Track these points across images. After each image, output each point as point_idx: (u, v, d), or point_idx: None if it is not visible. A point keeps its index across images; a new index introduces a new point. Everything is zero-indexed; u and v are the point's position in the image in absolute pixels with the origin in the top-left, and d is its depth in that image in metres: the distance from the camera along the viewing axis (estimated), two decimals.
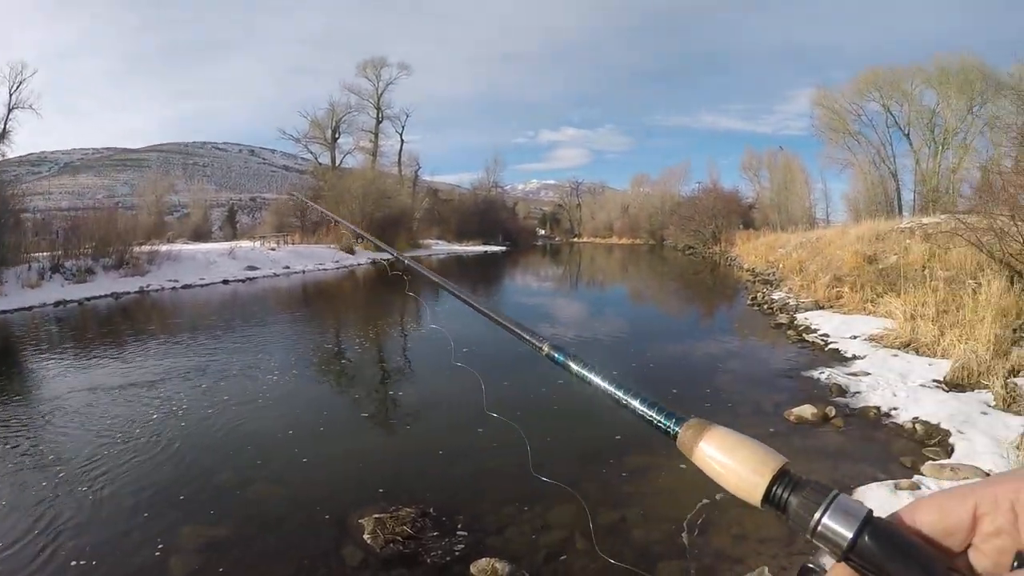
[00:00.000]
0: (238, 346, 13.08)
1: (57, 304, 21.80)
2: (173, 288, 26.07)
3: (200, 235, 57.07)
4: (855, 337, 11.54)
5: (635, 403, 0.85)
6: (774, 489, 0.68)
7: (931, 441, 6.55)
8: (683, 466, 6.09)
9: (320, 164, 63.01)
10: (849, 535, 0.58)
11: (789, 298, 17.16)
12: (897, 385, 8.39)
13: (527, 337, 1.10)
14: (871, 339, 11.19)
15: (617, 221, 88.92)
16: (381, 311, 18.63)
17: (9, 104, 40.43)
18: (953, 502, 0.56)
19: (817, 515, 0.62)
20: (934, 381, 8.39)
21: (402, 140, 69.44)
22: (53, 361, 11.93)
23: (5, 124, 40.28)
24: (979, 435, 6.39)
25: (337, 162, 62.69)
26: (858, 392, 8.33)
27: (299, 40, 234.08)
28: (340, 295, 25.88)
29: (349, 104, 63.92)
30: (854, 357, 10.35)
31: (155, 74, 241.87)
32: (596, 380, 0.93)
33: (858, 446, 6.64)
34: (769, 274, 24.32)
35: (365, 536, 4.86)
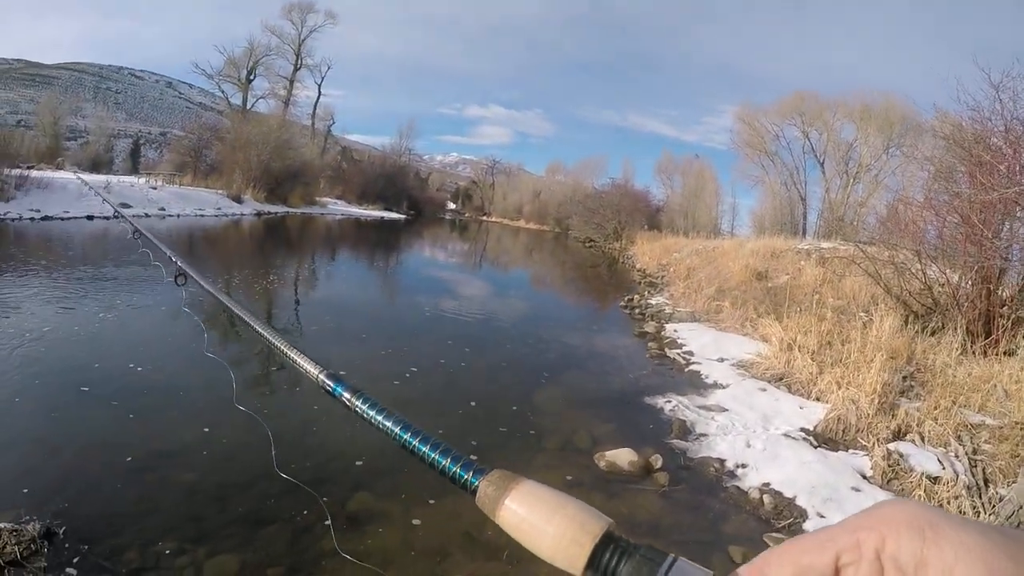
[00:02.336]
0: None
1: None
2: (32, 219, 23.95)
3: (98, 165, 53.12)
4: (723, 360, 9.73)
5: (425, 449, 0.77)
6: (599, 556, 0.58)
7: (779, 523, 4.74)
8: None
9: (231, 105, 60.23)
10: None
11: (666, 304, 15.41)
12: (756, 431, 6.53)
13: (300, 363, 1.05)
14: (740, 365, 9.39)
15: (527, 205, 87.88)
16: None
17: None
18: (811, 555, 0.47)
19: None
20: (802, 431, 6.55)
21: (320, 92, 67.48)
22: None
23: None
24: None
25: (249, 105, 59.97)
26: (704, 435, 6.38)
27: None
28: (188, 247, 23.00)
29: (269, 46, 61.41)
30: (715, 385, 8.47)
31: None
32: (379, 419, 0.85)
33: (678, 521, 4.76)
34: (658, 277, 22.74)
35: None
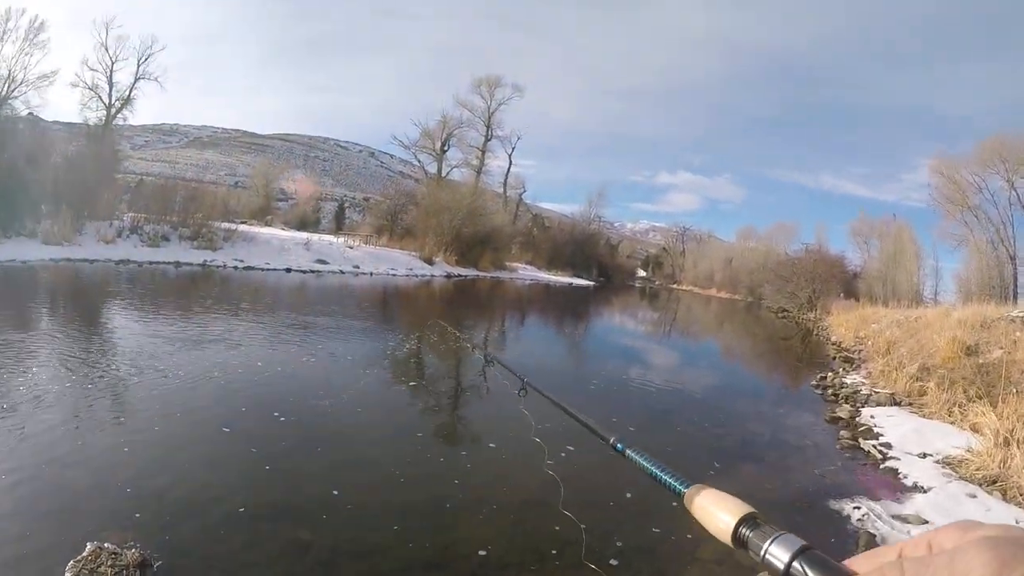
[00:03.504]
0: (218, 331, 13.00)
1: (119, 262, 24.53)
2: (235, 267, 28.02)
3: (305, 224, 59.64)
4: (925, 455, 8.55)
5: (665, 476, 1.21)
6: (740, 530, 0.88)
7: None
8: None
9: (427, 173, 65.47)
10: (786, 559, 0.76)
11: (863, 384, 14.08)
12: None
13: (600, 433, 1.55)
14: (946, 462, 8.20)
15: (718, 273, 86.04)
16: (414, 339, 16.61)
17: (136, 74, 43.74)
18: (884, 549, 0.65)
19: (765, 544, 0.80)
20: None
21: (510, 161, 71.25)
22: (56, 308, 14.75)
23: (130, 92, 43.64)
24: None
25: (444, 173, 64.77)
26: None
27: (427, 48, 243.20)
28: (382, 304, 24.46)
29: (460, 119, 66.09)
30: (914, 487, 7.39)
31: (290, 65, 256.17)
32: (643, 462, 1.33)
33: None
34: (854, 351, 21.05)
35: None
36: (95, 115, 42.17)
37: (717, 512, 0.94)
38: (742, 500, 0.93)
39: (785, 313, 43.84)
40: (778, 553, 0.77)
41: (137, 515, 4.66)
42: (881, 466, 8.32)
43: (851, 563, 0.66)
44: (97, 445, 6.05)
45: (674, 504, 1.11)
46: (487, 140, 67.22)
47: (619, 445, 1.43)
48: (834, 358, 20.57)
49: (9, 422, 6.34)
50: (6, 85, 33.39)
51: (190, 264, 26.65)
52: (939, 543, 0.60)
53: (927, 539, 0.61)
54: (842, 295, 41.77)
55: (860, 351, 20.72)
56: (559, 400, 1.90)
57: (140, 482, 5.26)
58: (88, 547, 4.07)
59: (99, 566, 3.90)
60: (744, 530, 0.86)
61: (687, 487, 1.08)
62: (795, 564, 0.74)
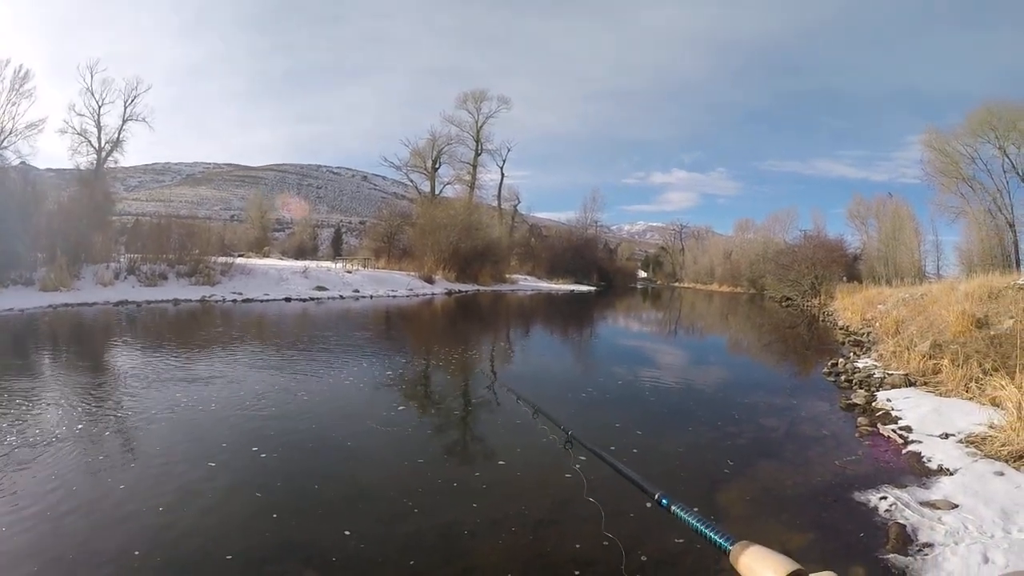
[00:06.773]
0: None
1: (118, 303, 24.75)
2: (234, 301, 28.10)
3: (303, 252, 63.81)
4: (947, 436, 8.27)
5: (710, 533, 1.27)
6: None
7: None
8: None
9: (421, 192, 66.05)
10: None
11: (875, 367, 13.79)
12: (994, 535, 5.20)
13: (645, 487, 1.68)
14: (969, 440, 7.93)
15: (719, 267, 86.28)
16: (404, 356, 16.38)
17: (124, 116, 45.12)
18: None
19: None
20: None
21: (502, 174, 71.46)
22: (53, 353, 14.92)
23: (119, 134, 44.89)
24: None
25: (438, 191, 65.66)
26: (928, 546, 5.11)
27: (412, 72, 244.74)
28: (384, 327, 24.41)
29: (449, 135, 66.97)
30: (939, 470, 7.10)
31: (278, 97, 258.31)
32: (688, 519, 1.38)
33: None
34: (863, 334, 20.79)
35: None
36: (86, 159, 43.33)
37: (763, 571, 1.04)
38: (786, 556, 1.03)
39: (789, 302, 43.76)
40: None
41: (136, 552, 4.62)
42: (903, 451, 8.05)
43: None
44: (95, 491, 5.93)
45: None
46: (478, 155, 67.89)
47: (664, 500, 1.53)
48: (843, 343, 20.43)
49: (10, 470, 6.30)
50: None
51: (189, 300, 26.89)
52: None
53: None
54: (844, 278, 41.48)
55: (869, 333, 20.51)
56: (605, 454, 1.95)
57: (138, 527, 5.16)
58: None
59: None
60: None
61: (732, 544, 1.17)
62: None
